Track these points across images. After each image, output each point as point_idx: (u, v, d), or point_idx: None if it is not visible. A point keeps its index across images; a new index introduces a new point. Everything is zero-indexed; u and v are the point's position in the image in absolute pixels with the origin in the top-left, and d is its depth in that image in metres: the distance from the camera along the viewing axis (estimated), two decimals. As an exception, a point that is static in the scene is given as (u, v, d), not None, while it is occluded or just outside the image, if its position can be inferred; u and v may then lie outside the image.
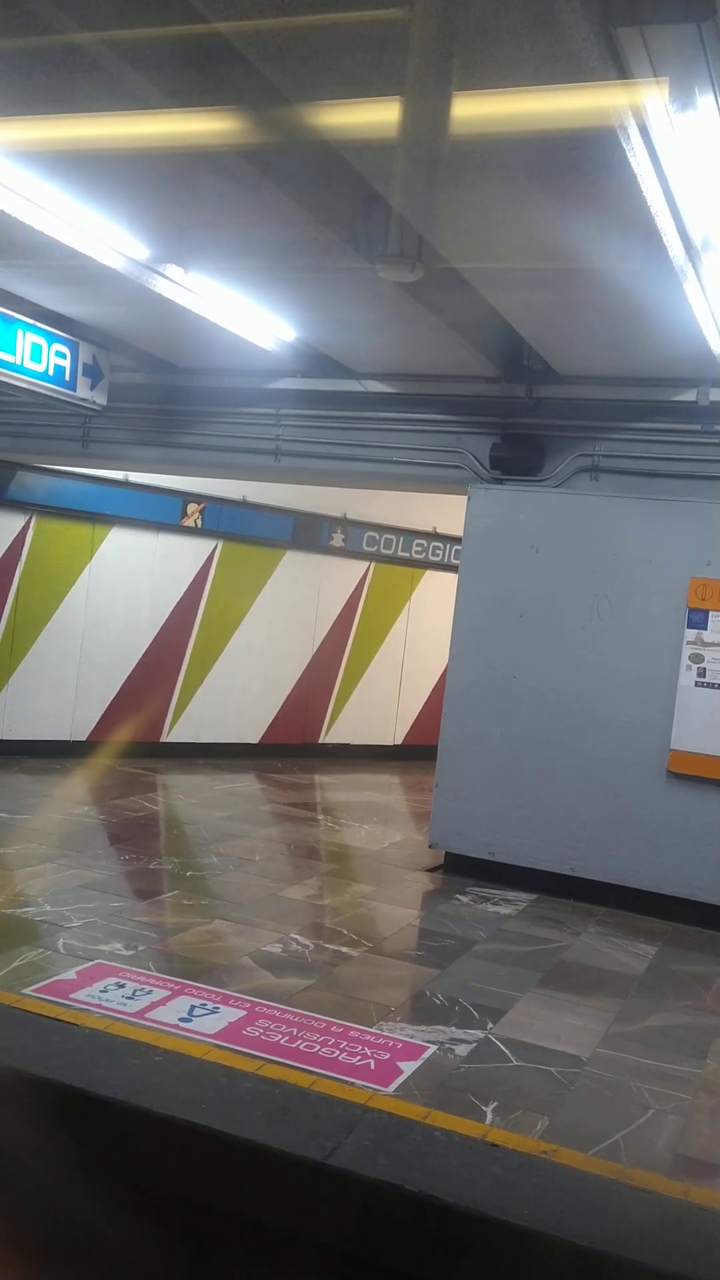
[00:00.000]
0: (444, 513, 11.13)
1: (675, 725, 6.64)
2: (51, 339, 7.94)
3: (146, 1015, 4.23)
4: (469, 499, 7.28)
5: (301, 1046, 4.11)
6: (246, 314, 7.02)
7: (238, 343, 7.51)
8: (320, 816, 9.14)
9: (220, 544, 10.69)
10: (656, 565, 6.75)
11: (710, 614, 6.61)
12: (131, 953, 4.95)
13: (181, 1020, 4.23)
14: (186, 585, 10.54)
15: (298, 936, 5.51)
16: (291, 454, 8.57)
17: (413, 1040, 4.33)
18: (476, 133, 4.03)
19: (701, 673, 6.61)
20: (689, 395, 7.20)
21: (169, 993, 4.50)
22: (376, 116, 4.04)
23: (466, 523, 7.28)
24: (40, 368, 7.89)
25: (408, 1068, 4.05)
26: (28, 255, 6.13)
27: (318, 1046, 4.13)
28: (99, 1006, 4.26)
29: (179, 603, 10.50)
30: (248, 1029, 4.21)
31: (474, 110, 3.90)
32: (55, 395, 8.14)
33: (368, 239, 5.42)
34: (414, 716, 12.34)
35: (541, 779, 6.97)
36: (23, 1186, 3.41)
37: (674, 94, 3.65)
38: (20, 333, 7.68)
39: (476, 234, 5.21)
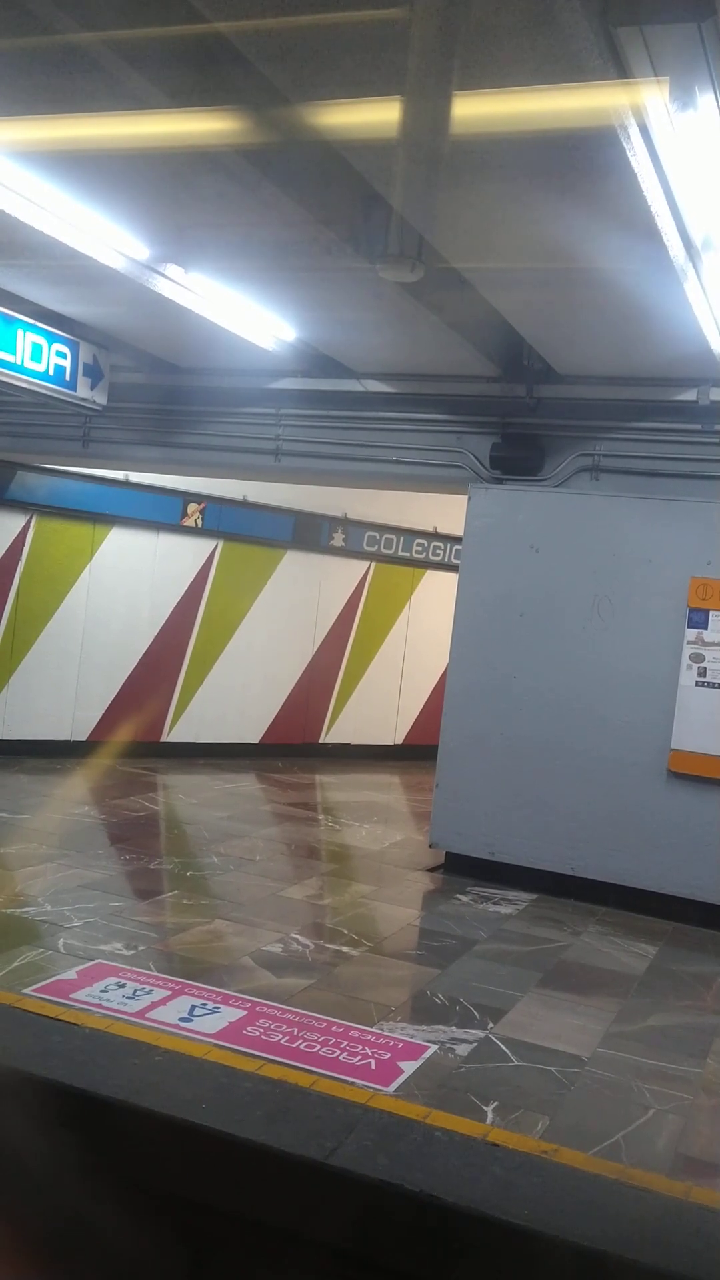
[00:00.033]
0: (444, 513, 11.13)
1: (675, 725, 6.64)
2: (52, 339, 7.94)
3: (147, 1015, 4.23)
4: (469, 499, 7.28)
5: (302, 1046, 4.11)
6: (247, 314, 7.02)
7: (238, 343, 7.51)
8: (321, 816, 9.14)
9: (220, 544, 10.69)
10: (657, 565, 6.75)
11: (711, 614, 6.61)
12: (132, 952, 4.95)
13: (182, 1020, 4.23)
14: (187, 585, 10.54)
15: (298, 936, 5.51)
16: (292, 454, 8.57)
17: (413, 1040, 4.33)
18: (476, 132, 4.03)
19: (702, 672, 6.61)
20: (689, 395, 7.20)
21: (169, 992, 4.50)
22: (376, 116, 4.04)
23: (467, 522, 7.28)
24: (40, 367, 7.89)
25: (408, 1067, 4.05)
26: (28, 255, 6.13)
27: (318, 1046, 4.13)
28: (99, 1006, 4.26)
29: (179, 603, 10.50)
30: (248, 1029, 4.21)
31: (474, 110, 3.90)
32: (55, 395, 8.14)
33: (368, 239, 5.41)
34: (414, 716, 12.34)
35: (542, 779, 6.97)
36: (23, 1186, 3.41)
37: (674, 94, 3.65)
38: (20, 333, 7.68)
39: (477, 234, 5.21)
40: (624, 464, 7.46)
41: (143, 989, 4.50)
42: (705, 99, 3.66)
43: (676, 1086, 4.20)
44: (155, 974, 4.70)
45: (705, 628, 6.62)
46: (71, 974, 4.58)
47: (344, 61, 3.62)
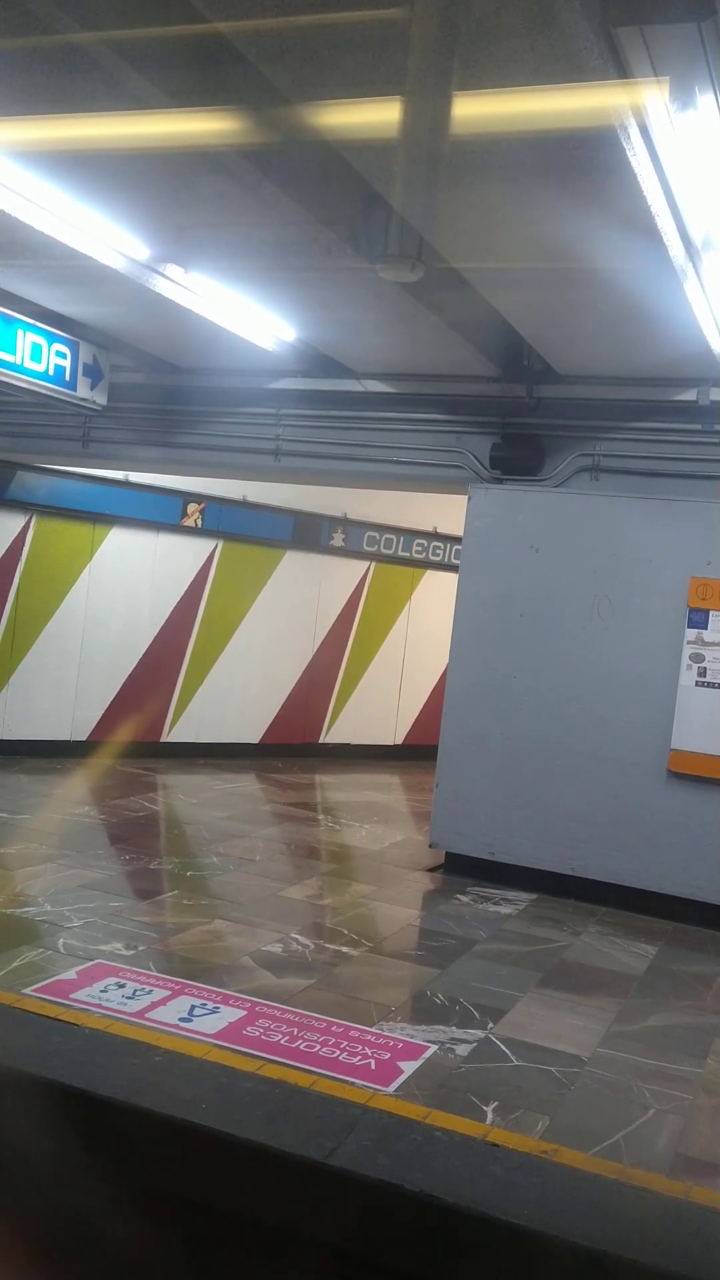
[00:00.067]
0: (444, 513, 11.14)
1: (675, 725, 6.64)
2: (52, 339, 7.94)
3: (147, 1015, 4.23)
4: (469, 499, 7.28)
5: (302, 1046, 4.11)
6: (247, 314, 7.02)
7: (238, 343, 7.51)
8: (320, 816, 9.14)
9: (220, 544, 10.69)
10: (657, 565, 6.75)
11: (711, 614, 6.61)
12: (132, 952, 4.95)
13: (182, 1020, 4.23)
14: (187, 585, 10.54)
15: (298, 936, 5.51)
16: (292, 454, 8.57)
17: (413, 1040, 4.33)
18: (476, 132, 4.03)
19: (702, 672, 6.61)
20: (689, 395, 7.20)
21: (169, 992, 4.50)
22: (376, 116, 4.04)
23: (467, 523, 7.28)
24: (40, 367, 7.89)
25: (408, 1067, 4.05)
26: (28, 255, 6.13)
27: (318, 1046, 4.13)
28: (99, 1006, 4.26)
29: (179, 602, 10.50)
30: (248, 1029, 4.21)
31: (474, 110, 3.90)
32: (55, 395, 8.14)
33: (368, 239, 5.41)
34: (414, 716, 12.34)
35: (542, 779, 6.97)
36: (23, 1186, 3.41)
37: (674, 94, 3.65)
38: (20, 333, 7.68)
39: (477, 234, 5.21)
40: (624, 464, 7.46)
41: (143, 989, 4.50)
42: (705, 99, 3.67)
43: (676, 1086, 4.20)
44: (155, 974, 4.70)
45: (705, 628, 6.62)
46: (71, 974, 4.58)
47: (344, 61, 3.62)
